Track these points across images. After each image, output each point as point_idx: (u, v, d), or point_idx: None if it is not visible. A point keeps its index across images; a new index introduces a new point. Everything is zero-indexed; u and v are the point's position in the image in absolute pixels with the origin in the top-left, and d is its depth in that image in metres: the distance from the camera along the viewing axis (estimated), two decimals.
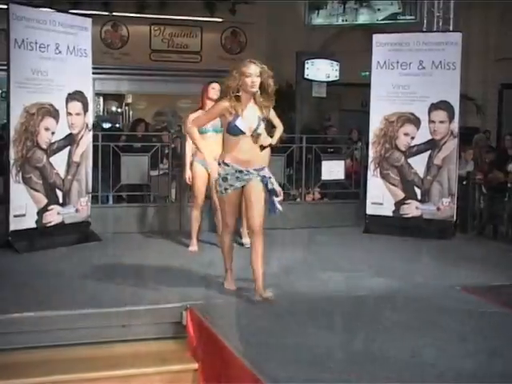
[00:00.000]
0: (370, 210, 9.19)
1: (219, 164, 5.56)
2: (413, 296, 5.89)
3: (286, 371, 4.08)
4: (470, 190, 9.51)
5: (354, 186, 10.01)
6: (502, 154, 11.03)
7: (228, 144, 5.57)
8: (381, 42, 9.22)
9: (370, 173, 9.20)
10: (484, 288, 6.32)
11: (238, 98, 5.45)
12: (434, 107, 8.90)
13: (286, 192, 9.86)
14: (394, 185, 9.09)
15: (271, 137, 6.76)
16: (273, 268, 6.62)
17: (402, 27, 14.30)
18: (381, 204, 9.09)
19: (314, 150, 9.70)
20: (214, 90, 7.56)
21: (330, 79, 16.60)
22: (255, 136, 5.52)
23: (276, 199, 5.61)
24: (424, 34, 9.51)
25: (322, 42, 17.26)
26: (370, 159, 9.21)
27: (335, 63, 16.59)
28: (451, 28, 10.09)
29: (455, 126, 8.90)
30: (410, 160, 9.01)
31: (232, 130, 5.47)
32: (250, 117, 5.50)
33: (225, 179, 5.54)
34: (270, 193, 5.61)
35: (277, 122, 7.56)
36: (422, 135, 8.97)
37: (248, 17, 16.49)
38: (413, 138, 9.00)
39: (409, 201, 9.04)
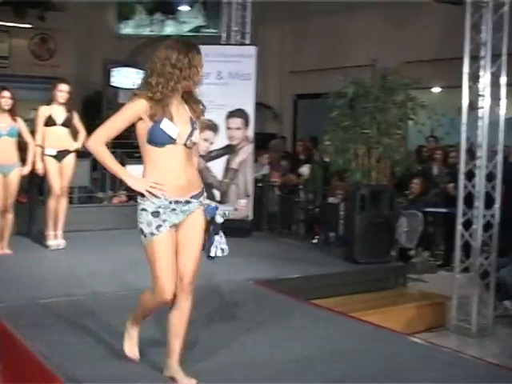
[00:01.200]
0: None
1: (143, 196, 3.66)
2: (207, 291, 5.97)
3: (83, 368, 4.03)
4: (265, 192, 9.83)
5: None
6: (296, 158, 11.51)
7: (153, 163, 3.67)
8: None
9: None
10: (273, 281, 6.57)
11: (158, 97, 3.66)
12: (230, 115, 9.11)
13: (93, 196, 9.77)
14: None
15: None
16: (79, 269, 6.53)
17: (206, 40, 14.49)
18: None
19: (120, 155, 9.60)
20: (5, 99, 7.08)
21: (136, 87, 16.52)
22: (190, 146, 3.74)
23: (219, 239, 3.94)
24: (222, 46, 9.71)
25: (130, 51, 17.13)
26: None
27: (141, 71, 16.51)
28: (248, 42, 10.37)
29: (250, 132, 9.17)
30: (209, 164, 9.16)
31: (155, 138, 3.62)
32: (181, 120, 3.73)
33: (156, 214, 3.65)
34: (213, 229, 3.91)
35: (80, 126, 7.50)
36: (220, 141, 9.15)
37: (57, 24, 16.03)
38: (212, 143, 9.16)
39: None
